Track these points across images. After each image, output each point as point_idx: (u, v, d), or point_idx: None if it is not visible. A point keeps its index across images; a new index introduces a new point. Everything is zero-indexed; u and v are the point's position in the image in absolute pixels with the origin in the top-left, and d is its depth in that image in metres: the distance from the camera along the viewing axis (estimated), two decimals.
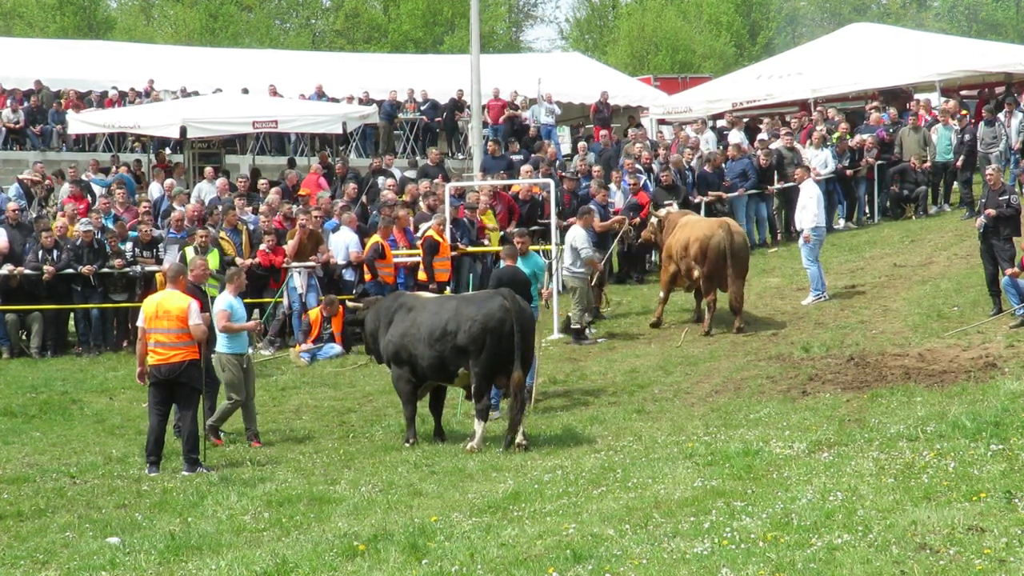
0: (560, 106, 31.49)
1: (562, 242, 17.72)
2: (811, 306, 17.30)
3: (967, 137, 22.56)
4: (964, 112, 24.26)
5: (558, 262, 17.23)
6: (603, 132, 28.14)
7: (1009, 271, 14.67)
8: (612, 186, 21.75)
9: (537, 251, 15.48)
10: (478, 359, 11.61)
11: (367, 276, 17.53)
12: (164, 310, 11.30)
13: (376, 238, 17.79)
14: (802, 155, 22.88)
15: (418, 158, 27.77)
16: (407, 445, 12.01)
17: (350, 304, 13.94)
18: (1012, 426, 9.48)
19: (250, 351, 13.07)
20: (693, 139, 25.50)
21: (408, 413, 12.30)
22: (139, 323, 11.59)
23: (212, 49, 43.14)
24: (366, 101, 30.16)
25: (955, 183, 23.62)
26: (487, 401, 11.83)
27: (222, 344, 12.51)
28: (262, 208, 19.84)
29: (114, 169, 24.71)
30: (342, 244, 18.49)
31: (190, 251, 16.95)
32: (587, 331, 16.98)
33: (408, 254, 18.34)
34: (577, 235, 16.78)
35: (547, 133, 29.70)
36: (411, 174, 24.58)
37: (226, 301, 12.70)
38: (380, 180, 22.61)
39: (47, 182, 22.86)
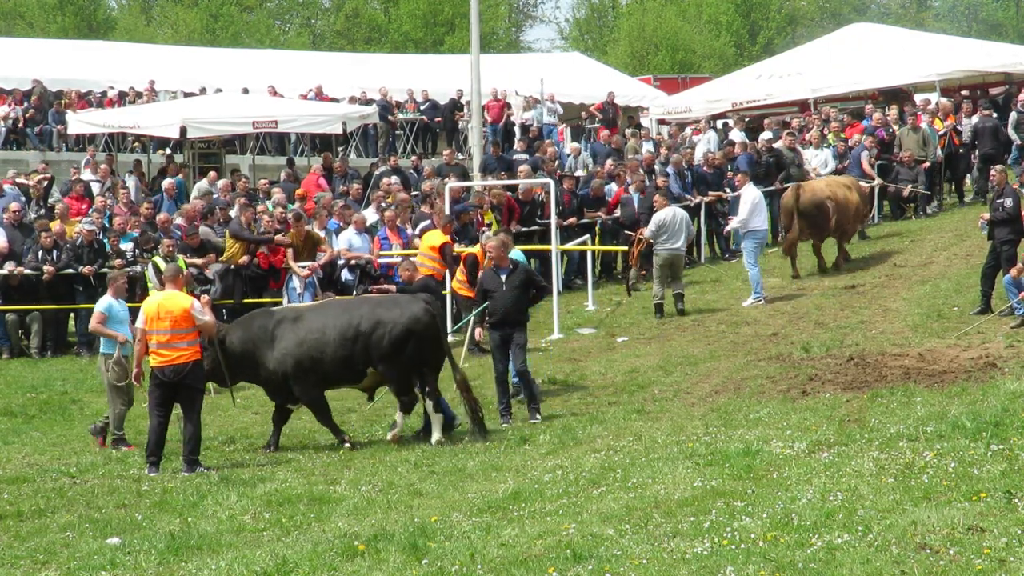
0: (560, 106, 31.49)
1: (562, 241, 17.74)
2: (803, 306, 17.31)
3: (986, 125, 22.51)
4: (966, 107, 24.23)
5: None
6: (605, 132, 28.19)
7: (1014, 270, 14.67)
8: (614, 185, 21.83)
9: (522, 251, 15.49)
10: (397, 360, 11.93)
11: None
12: (166, 311, 11.24)
13: (444, 239, 17.30)
14: (803, 155, 22.92)
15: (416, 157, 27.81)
16: (344, 447, 12.09)
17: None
18: (1012, 426, 9.48)
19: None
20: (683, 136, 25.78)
21: (326, 421, 12.37)
22: (139, 324, 11.54)
23: (212, 49, 43.17)
24: (365, 101, 30.17)
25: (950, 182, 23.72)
26: (413, 395, 12.18)
27: (105, 345, 12.79)
28: (260, 208, 19.87)
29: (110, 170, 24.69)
30: (347, 245, 18.48)
31: (159, 260, 17.06)
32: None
33: (402, 253, 18.28)
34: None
35: (549, 132, 29.73)
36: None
37: (105, 303, 12.90)
38: (395, 179, 22.57)
39: (43, 180, 22.80)
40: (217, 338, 12.08)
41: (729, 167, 22.51)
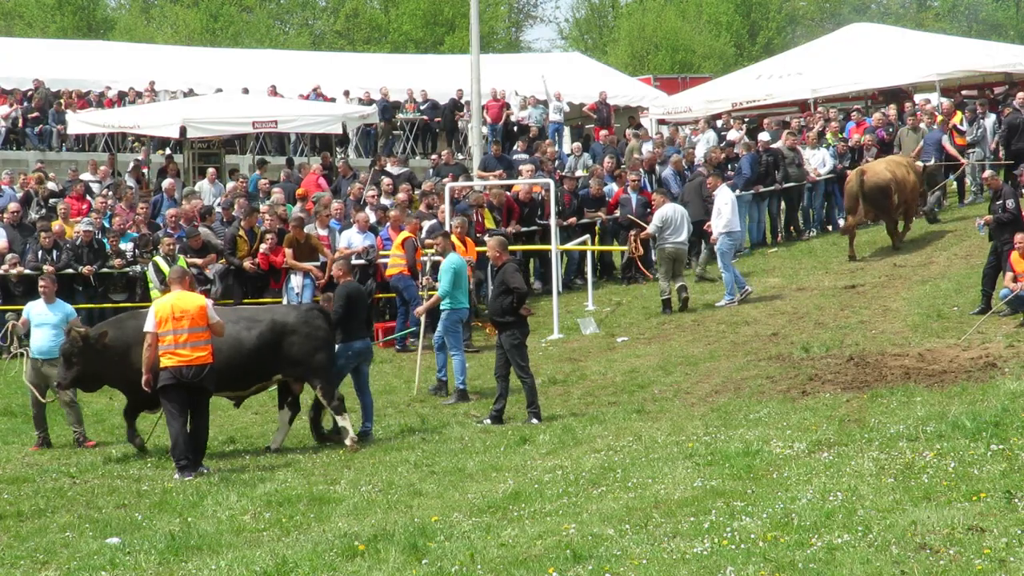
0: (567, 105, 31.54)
1: (562, 241, 17.77)
2: (811, 306, 17.30)
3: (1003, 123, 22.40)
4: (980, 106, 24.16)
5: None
6: (603, 132, 28.19)
7: (1010, 284, 14.69)
8: (614, 185, 21.83)
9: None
10: (313, 362, 12.06)
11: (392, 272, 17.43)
12: (181, 311, 11.07)
13: (407, 234, 17.60)
14: (803, 155, 22.91)
15: (418, 157, 27.84)
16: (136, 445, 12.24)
17: (84, 331, 12.21)
18: (1012, 426, 9.48)
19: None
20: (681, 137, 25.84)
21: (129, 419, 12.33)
22: (149, 327, 11.16)
23: (212, 49, 43.19)
24: (366, 101, 30.17)
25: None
26: (340, 396, 12.23)
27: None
28: (262, 208, 19.87)
29: (111, 172, 24.68)
30: (347, 244, 18.47)
31: (159, 260, 17.05)
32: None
33: (396, 254, 18.26)
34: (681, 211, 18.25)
35: (554, 131, 29.73)
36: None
37: (27, 308, 13.20)
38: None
39: (46, 182, 22.79)
40: (81, 338, 11.98)
41: (730, 167, 22.49)
